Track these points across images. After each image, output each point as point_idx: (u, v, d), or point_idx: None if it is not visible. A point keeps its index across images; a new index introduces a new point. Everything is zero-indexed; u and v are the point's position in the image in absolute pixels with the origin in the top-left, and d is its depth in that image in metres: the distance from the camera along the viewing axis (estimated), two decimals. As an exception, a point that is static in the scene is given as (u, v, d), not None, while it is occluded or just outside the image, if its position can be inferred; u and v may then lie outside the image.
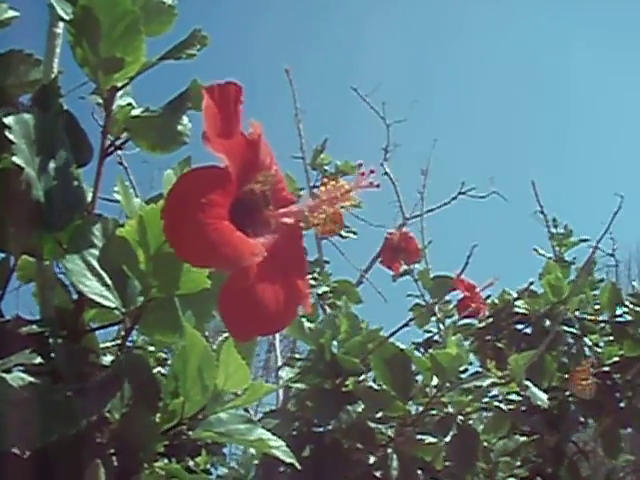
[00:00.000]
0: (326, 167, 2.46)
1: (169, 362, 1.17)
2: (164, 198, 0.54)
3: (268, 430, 0.74)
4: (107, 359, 0.73)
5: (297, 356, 1.67)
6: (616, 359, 1.83)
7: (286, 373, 1.30)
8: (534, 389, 1.35)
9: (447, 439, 1.28)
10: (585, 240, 2.37)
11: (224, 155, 0.54)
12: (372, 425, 1.25)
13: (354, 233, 2.42)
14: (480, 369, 1.56)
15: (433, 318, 1.94)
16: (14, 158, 0.63)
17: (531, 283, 1.83)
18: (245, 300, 0.54)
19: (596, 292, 2.00)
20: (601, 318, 1.94)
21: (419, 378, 1.33)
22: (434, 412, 1.31)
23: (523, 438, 1.52)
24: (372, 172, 0.61)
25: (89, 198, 0.73)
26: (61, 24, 0.81)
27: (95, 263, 0.67)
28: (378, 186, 0.61)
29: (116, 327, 0.76)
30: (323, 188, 0.60)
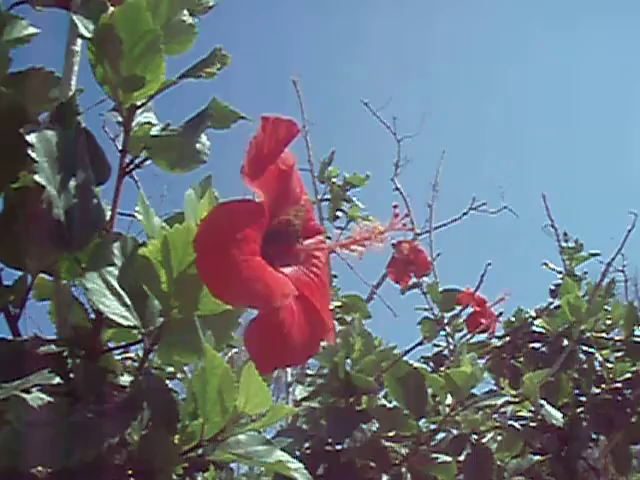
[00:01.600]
0: (334, 179, 2.45)
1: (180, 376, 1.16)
2: (194, 225, 0.54)
3: (282, 449, 0.73)
4: (125, 379, 0.72)
5: (309, 372, 1.67)
6: (628, 375, 1.82)
7: (299, 391, 1.29)
8: (548, 408, 1.34)
9: (461, 458, 1.27)
10: (596, 254, 2.36)
11: (260, 190, 0.53)
12: (386, 444, 1.24)
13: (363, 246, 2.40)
14: (493, 387, 1.55)
15: (442, 332, 1.93)
16: (36, 177, 0.63)
17: (550, 303, 1.82)
18: (273, 335, 0.54)
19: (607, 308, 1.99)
20: (613, 334, 1.92)
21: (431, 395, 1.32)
22: (448, 431, 1.30)
23: (537, 457, 1.50)
24: (407, 215, 0.61)
25: (108, 216, 0.72)
26: (79, 41, 0.81)
27: (114, 282, 0.67)
28: (412, 230, 0.61)
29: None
30: (357, 227, 0.60)
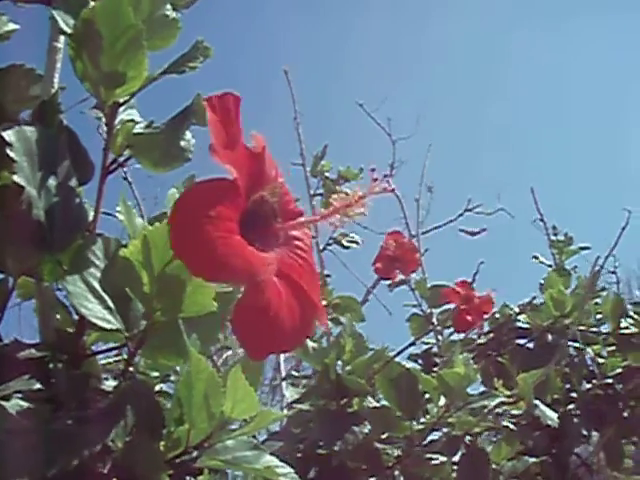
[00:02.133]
0: (327, 174, 2.42)
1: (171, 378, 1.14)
2: (169, 213, 0.52)
3: (272, 452, 0.72)
4: (109, 384, 0.70)
5: (298, 374, 1.65)
6: (619, 370, 1.81)
7: (290, 393, 1.28)
8: (543, 407, 1.33)
9: (455, 459, 1.25)
10: (585, 248, 2.36)
11: (232, 167, 0.51)
12: (378, 446, 1.22)
13: (356, 243, 2.38)
14: (483, 386, 1.54)
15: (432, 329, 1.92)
16: (15, 177, 0.61)
17: (533, 298, 1.81)
18: (261, 317, 0.52)
19: (597, 301, 1.98)
20: (603, 328, 1.91)
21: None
22: (442, 432, 1.28)
23: (532, 459, 1.49)
24: (386, 177, 0.59)
25: (90, 217, 0.70)
26: (62, 38, 0.79)
27: (97, 285, 0.65)
28: (393, 190, 0.59)
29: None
30: (335, 196, 0.58)
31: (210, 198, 0.51)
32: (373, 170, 0.62)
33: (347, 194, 0.59)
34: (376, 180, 0.60)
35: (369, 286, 2.35)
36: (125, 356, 0.70)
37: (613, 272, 2.75)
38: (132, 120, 0.76)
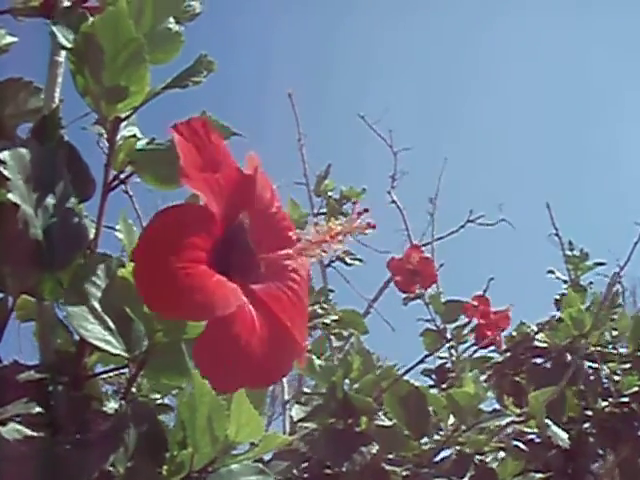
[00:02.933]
0: (330, 193, 2.42)
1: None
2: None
3: (278, 473, 0.70)
4: (111, 406, 0.68)
5: (305, 390, 1.63)
6: (635, 389, 1.78)
7: (296, 412, 1.25)
8: (554, 428, 1.30)
9: (465, 480, 1.23)
10: (601, 264, 2.33)
11: (205, 192, 0.49)
12: (386, 466, 1.20)
13: (360, 261, 2.39)
14: (496, 405, 1.52)
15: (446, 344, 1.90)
16: (9, 195, 0.60)
17: (553, 316, 1.79)
18: (224, 350, 0.49)
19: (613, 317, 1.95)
20: (619, 346, 1.89)
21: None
22: (451, 451, 1.26)
23: (539, 475, 1.46)
24: (367, 211, 0.56)
25: (91, 235, 0.69)
26: (63, 52, 0.78)
27: (97, 305, 0.63)
28: (374, 227, 0.56)
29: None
30: (313, 230, 0.55)
31: (177, 226, 0.48)
32: (355, 203, 0.58)
33: (325, 228, 0.55)
34: (359, 214, 0.57)
35: (370, 299, 2.34)
36: (127, 377, 0.68)
37: (619, 282, 2.73)
38: (134, 136, 0.74)
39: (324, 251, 0.55)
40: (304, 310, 0.56)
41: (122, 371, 0.96)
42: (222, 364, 0.49)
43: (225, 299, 0.48)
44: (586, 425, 1.75)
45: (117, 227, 0.64)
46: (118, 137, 0.73)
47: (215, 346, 0.49)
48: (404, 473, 1.22)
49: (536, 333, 1.87)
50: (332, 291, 2.23)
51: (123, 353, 0.63)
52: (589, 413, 1.76)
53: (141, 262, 0.47)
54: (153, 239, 0.48)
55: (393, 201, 2.59)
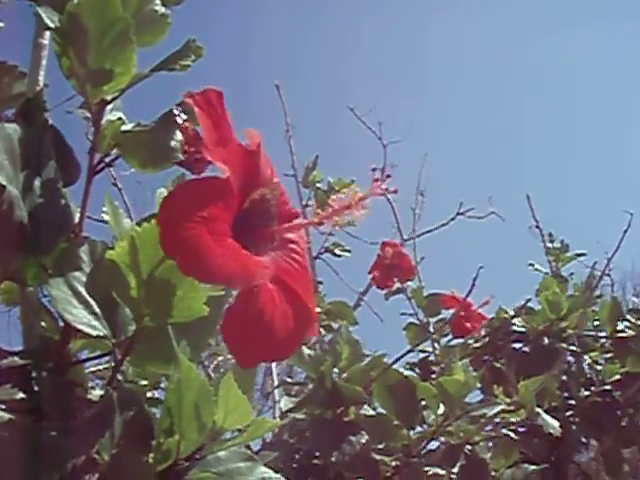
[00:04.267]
0: (319, 185, 2.42)
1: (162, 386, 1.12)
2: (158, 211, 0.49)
3: (267, 463, 0.69)
4: (96, 393, 0.67)
5: (292, 380, 1.62)
6: (617, 377, 1.78)
7: (285, 402, 1.25)
8: (545, 416, 1.30)
9: (455, 470, 1.22)
10: (581, 255, 2.34)
11: (225, 166, 0.49)
12: (376, 456, 1.19)
13: (348, 252, 2.38)
14: (482, 393, 1.51)
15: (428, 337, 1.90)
16: (-5, 176, 0.58)
17: (528, 300, 1.79)
18: (253, 324, 0.49)
19: (594, 308, 1.96)
20: (601, 334, 1.89)
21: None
22: (440, 441, 1.26)
23: (532, 467, 1.46)
24: (389, 177, 0.56)
25: (76, 219, 0.68)
26: (47, 35, 0.77)
27: (82, 289, 0.62)
28: (395, 192, 0.56)
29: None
30: (334, 197, 0.55)
31: (202, 197, 0.48)
32: (374, 170, 0.59)
33: (346, 195, 0.56)
34: (377, 180, 0.57)
35: (360, 292, 2.34)
36: (112, 363, 0.67)
37: (607, 274, 2.73)
38: (120, 119, 0.73)
39: (347, 218, 0.55)
40: (310, 281, 0.57)
41: (107, 366, 0.95)
42: (250, 338, 0.49)
43: (257, 270, 0.49)
44: (569, 414, 1.75)
45: (103, 209, 0.62)
46: (103, 121, 0.72)
47: (244, 320, 0.49)
48: (394, 463, 1.21)
49: (512, 317, 1.86)
50: (321, 283, 2.23)
51: (109, 337, 0.62)
52: (572, 402, 1.77)
53: (170, 230, 0.47)
54: (180, 208, 0.47)
55: (382, 193, 2.58)
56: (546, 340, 1.82)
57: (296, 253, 0.56)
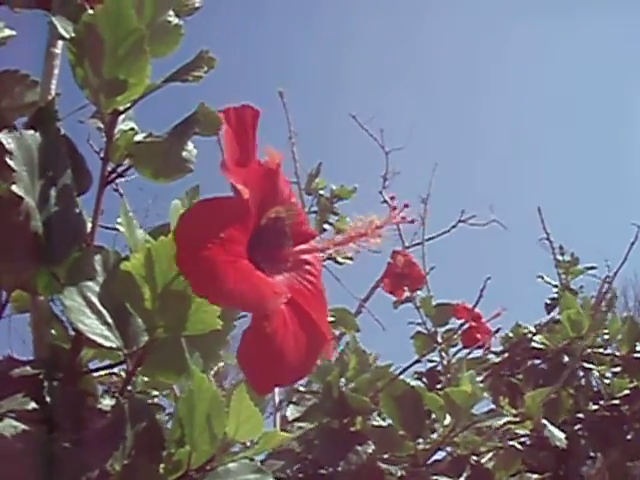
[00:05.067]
0: (321, 192, 2.42)
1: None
2: (174, 229, 0.49)
3: (274, 473, 0.69)
4: (107, 403, 0.67)
5: (297, 389, 1.62)
6: (626, 392, 1.78)
7: (290, 412, 1.24)
8: (551, 428, 1.30)
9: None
10: (592, 268, 2.33)
11: (244, 186, 0.48)
12: (382, 466, 1.19)
13: (351, 259, 2.38)
14: (492, 406, 1.51)
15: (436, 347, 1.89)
16: (14, 187, 0.58)
17: (551, 318, 1.78)
18: (266, 349, 0.49)
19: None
20: (611, 349, 1.89)
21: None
22: (447, 452, 1.25)
23: (535, 476, 1.46)
24: (406, 206, 0.56)
25: (89, 228, 0.68)
26: (60, 44, 0.77)
27: (95, 299, 0.62)
28: (412, 222, 0.56)
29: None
30: (352, 224, 0.55)
31: (219, 218, 0.48)
32: (393, 198, 0.58)
33: (363, 222, 0.56)
34: (395, 209, 0.57)
35: (361, 298, 2.33)
36: (123, 374, 0.67)
37: (609, 282, 2.72)
38: (132, 129, 0.73)
39: (363, 245, 0.55)
40: (324, 303, 0.56)
41: (114, 370, 0.95)
42: (264, 366, 0.49)
43: (271, 295, 0.49)
44: (577, 427, 1.74)
45: (117, 221, 0.63)
46: (116, 131, 0.72)
47: (258, 345, 0.49)
48: (399, 473, 1.21)
49: (534, 335, 1.86)
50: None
51: (121, 348, 0.62)
52: (580, 415, 1.76)
53: (186, 250, 0.47)
54: (197, 228, 0.47)
55: (384, 201, 2.58)
56: (565, 358, 1.82)
57: (311, 274, 0.56)
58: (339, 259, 2.38)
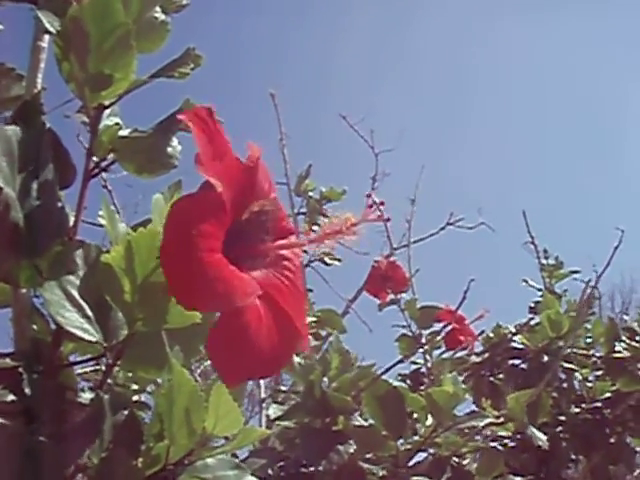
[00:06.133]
0: (311, 193, 2.43)
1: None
2: (160, 226, 0.50)
3: (254, 472, 0.69)
4: (86, 396, 0.67)
5: (282, 388, 1.62)
6: (608, 395, 1.79)
7: (273, 410, 1.25)
8: (534, 429, 1.30)
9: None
10: (576, 272, 2.34)
11: (219, 181, 0.49)
12: (363, 466, 1.19)
13: (339, 260, 2.39)
14: (474, 407, 1.51)
15: (420, 349, 1.90)
16: (-7, 178, 0.58)
17: (531, 318, 1.79)
18: (237, 341, 0.49)
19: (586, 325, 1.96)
20: (593, 352, 1.90)
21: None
22: (428, 452, 1.26)
23: (518, 479, 1.46)
24: (382, 204, 0.57)
25: (71, 222, 0.68)
26: (46, 38, 0.77)
27: (75, 293, 0.62)
28: (388, 220, 0.57)
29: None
30: (327, 220, 0.55)
31: (194, 213, 0.49)
32: (369, 196, 0.59)
33: (338, 219, 0.56)
34: (371, 207, 0.58)
35: (348, 299, 2.34)
36: (103, 367, 0.67)
37: (595, 287, 2.73)
38: (117, 124, 0.73)
39: (337, 242, 0.55)
40: (302, 299, 0.57)
41: (97, 368, 0.95)
42: (234, 358, 0.49)
43: (242, 291, 0.49)
44: (559, 430, 1.75)
45: (99, 214, 0.63)
46: (101, 125, 0.72)
47: (228, 339, 0.49)
48: (381, 473, 1.21)
49: (513, 335, 1.87)
50: (311, 291, 2.23)
51: (100, 342, 0.62)
52: (562, 418, 1.77)
53: (167, 255, 0.48)
54: (173, 227, 0.48)
55: (374, 202, 2.58)
56: (545, 358, 1.83)
57: (289, 270, 0.56)
58: (327, 260, 2.39)
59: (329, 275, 2.47)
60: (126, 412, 0.64)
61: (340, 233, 0.55)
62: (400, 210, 2.62)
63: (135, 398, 1.18)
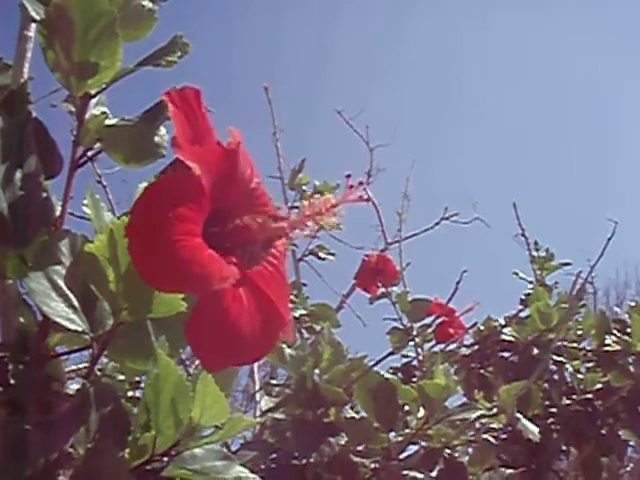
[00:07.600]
0: (304, 187, 2.43)
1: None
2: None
3: (245, 463, 0.69)
4: (73, 387, 0.67)
5: (275, 382, 1.62)
6: (599, 386, 1.79)
7: (265, 402, 1.24)
8: (525, 421, 1.30)
9: (434, 474, 1.22)
10: (567, 264, 2.33)
11: (196, 165, 0.48)
12: (355, 458, 1.19)
13: (333, 255, 2.39)
14: (465, 398, 1.51)
15: (411, 342, 1.90)
16: (-26, 167, 0.58)
17: (520, 310, 1.79)
18: (216, 326, 0.49)
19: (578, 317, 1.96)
20: (584, 344, 1.90)
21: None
22: (420, 445, 1.26)
23: (509, 470, 1.47)
24: (361, 184, 0.56)
25: (57, 212, 0.67)
26: (33, 27, 0.76)
27: (61, 282, 0.61)
28: (368, 200, 0.56)
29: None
30: (307, 202, 0.55)
31: (170, 197, 0.48)
32: (349, 176, 0.58)
33: (318, 200, 0.56)
34: (351, 187, 0.57)
35: (343, 294, 2.34)
36: (89, 358, 0.66)
37: (590, 282, 2.73)
38: (104, 113, 0.73)
39: (318, 224, 0.55)
40: (285, 284, 0.56)
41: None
42: (214, 341, 0.49)
43: (221, 273, 0.48)
44: (550, 422, 1.75)
45: (84, 202, 0.62)
46: (87, 114, 0.72)
47: (207, 323, 0.48)
48: (372, 465, 1.21)
49: (503, 327, 1.87)
50: (305, 285, 2.23)
51: (86, 332, 0.62)
52: (553, 410, 1.77)
53: (135, 235, 0.47)
54: (147, 210, 0.47)
55: (368, 197, 2.58)
56: (535, 350, 1.83)
57: (272, 256, 0.56)
58: (321, 255, 2.39)
59: (323, 270, 2.47)
60: (113, 403, 0.64)
61: (320, 214, 0.54)
62: (394, 205, 2.63)
63: (130, 395, 1.19)
